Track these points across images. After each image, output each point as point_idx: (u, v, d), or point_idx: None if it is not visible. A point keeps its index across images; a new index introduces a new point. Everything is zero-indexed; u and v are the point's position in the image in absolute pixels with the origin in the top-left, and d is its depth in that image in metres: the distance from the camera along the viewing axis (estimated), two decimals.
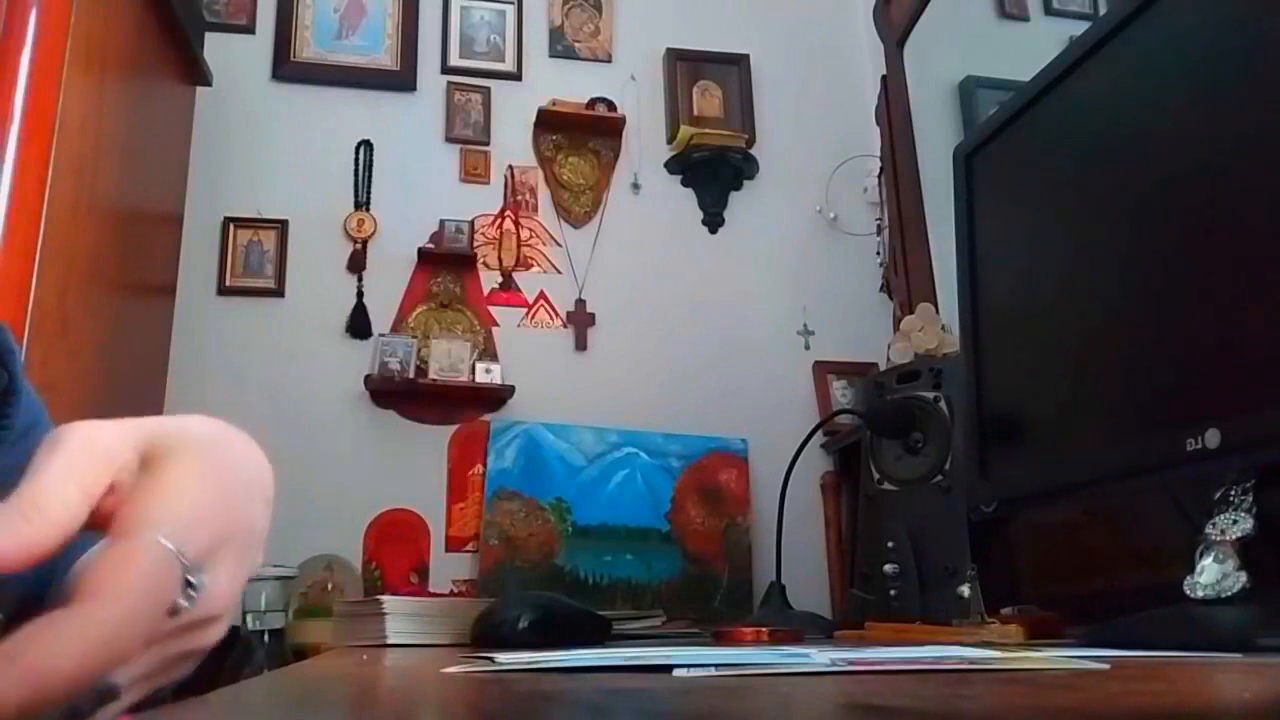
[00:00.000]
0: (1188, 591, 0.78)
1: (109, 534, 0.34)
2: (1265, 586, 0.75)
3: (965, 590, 1.05)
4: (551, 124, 2.74)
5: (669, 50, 2.85)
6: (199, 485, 0.35)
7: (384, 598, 1.11)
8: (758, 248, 2.77)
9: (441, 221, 2.60)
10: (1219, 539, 0.77)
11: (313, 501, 2.26)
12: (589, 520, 2.44)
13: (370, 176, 2.62)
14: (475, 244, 2.62)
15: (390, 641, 1.07)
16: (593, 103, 2.75)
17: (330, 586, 2.26)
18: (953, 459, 1.29)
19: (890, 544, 1.31)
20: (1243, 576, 0.75)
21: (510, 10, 2.82)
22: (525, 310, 2.62)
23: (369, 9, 2.74)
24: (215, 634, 0.37)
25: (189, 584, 0.33)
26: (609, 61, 2.85)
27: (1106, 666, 0.53)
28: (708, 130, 2.77)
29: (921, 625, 1.17)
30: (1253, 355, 0.74)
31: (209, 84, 2.49)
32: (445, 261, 2.59)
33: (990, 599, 1.06)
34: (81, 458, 0.34)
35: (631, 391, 2.57)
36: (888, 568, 1.30)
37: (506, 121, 2.73)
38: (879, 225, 2.64)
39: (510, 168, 2.71)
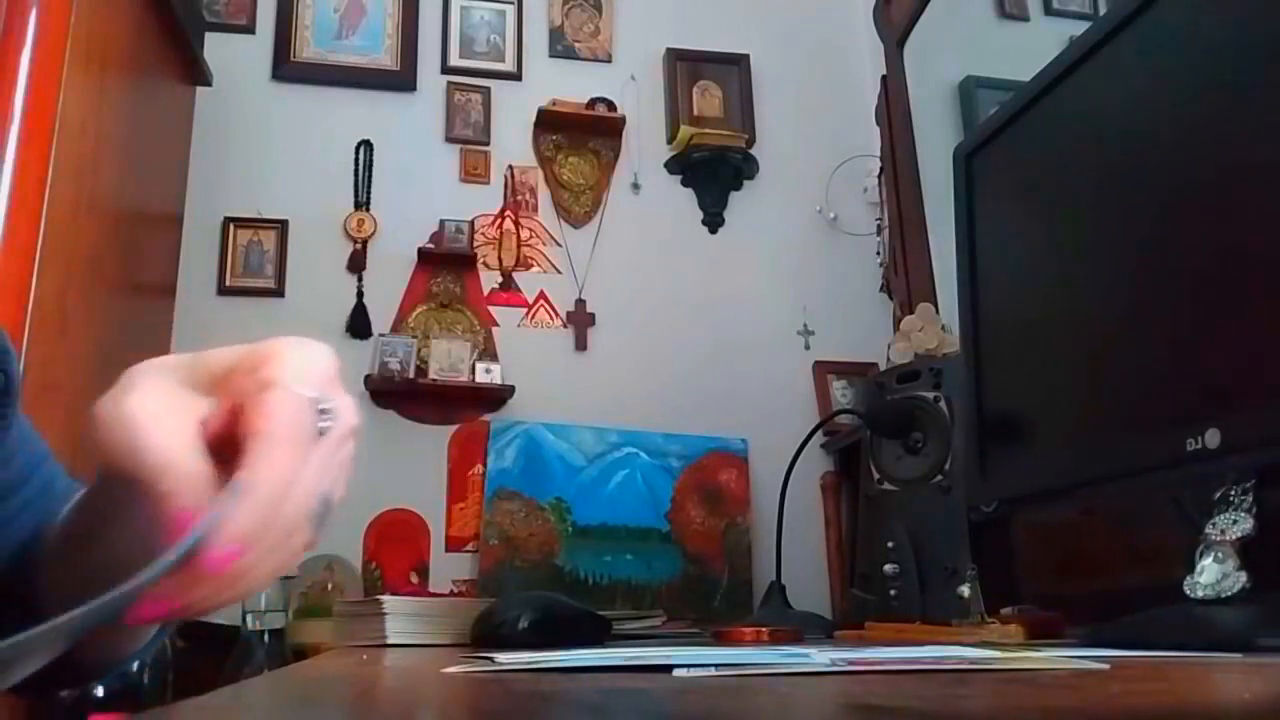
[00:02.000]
0: (1188, 591, 0.78)
1: (241, 403, 0.42)
2: (1265, 586, 0.75)
3: (965, 590, 1.05)
4: (551, 124, 2.74)
5: (669, 50, 2.85)
6: (301, 349, 0.45)
7: (384, 598, 1.11)
8: (758, 248, 2.77)
9: (441, 221, 2.60)
10: (1219, 539, 0.77)
11: None
12: (589, 520, 2.44)
13: (370, 176, 2.62)
14: (475, 244, 2.62)
15: (390, 641, 1.07)
16: (593, 103, 2.75)
17: (330, 586, 2.26)
18: (953, 459, 1.29)
19: (890, 544, 1.31)
20: (1243, 576, 0.75)
21: (510, 10, 2.82)
22: (525, 310, 2.62)
23: (369, 9, 2.74)
24: (351, 449, 0.46)
25: (323, 413, 0.43)
26: (609, 61, 2.85)
27: (1106, 666, 0.53)
28: (708, 130, 2.77)
29: (921, 625, 1.17)
30: (1253, 355, 0.74)
31: (209, 84, 2.49)
32: (445, 261, 2.59)
33: (990, 599, 1.06)
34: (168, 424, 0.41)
35: (631, 391, 2.57)
36: (888, 568, 1.30)
37: (506, 121, 2.73)
38: (879, 225, 2.64)
39: (510, 168, 2.71)
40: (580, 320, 2.63)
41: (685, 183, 2.79)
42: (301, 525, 0.42)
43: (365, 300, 2.52)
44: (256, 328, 2.44)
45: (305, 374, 0.43)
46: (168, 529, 0.38)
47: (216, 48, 2.53)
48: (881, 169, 2.60)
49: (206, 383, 0.43)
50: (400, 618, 1.09)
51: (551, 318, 2.63)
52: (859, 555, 1.47)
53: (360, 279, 2.54)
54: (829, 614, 1.91)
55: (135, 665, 1.57)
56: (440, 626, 1.10)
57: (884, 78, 2.61)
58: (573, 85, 2.78)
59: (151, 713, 0.39)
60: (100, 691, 1.40)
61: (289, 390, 0.42)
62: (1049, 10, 2.13)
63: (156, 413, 0.40)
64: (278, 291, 2.50)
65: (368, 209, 2.59)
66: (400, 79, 2.70)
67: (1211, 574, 0.76)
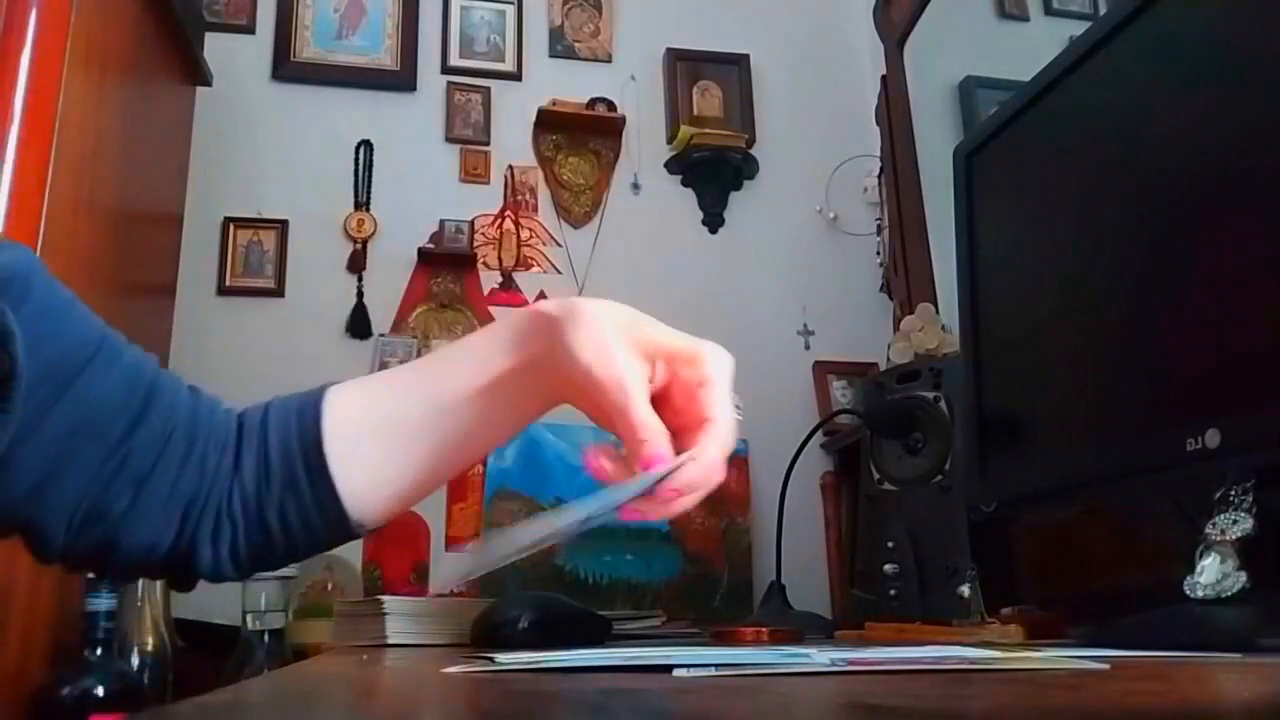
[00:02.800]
0: (1188, 592, 0.78)
1: (676, 383, 0.61)
2: (1265, 586, 0.75)
3: (965, 590, 1.05)
4: (551, 124, 2.74)
5: (669, 50, 2.85)
6: (727, 358, 0.63)
7: (384, 598, 1.11)
8: (758, 248, 2.77)
9: (441, 221, 2.60)
10: (1219, 539, 0.77)
11: None
12: None
13: (370, 176, 2.62)
14: (475, 244, 2.62)
15: (390, 641, 1.07)
16: (593, 103, 2.75)
17: (330, 586, 2.26)
18: (953, 459, 1.29)
19: (890, 544, 1.31)
20: (1243, 576, 0.75)
21: (510, 10, 2.82)
22: None
23: (369, 9, 2.73)
24: None
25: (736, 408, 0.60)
26: (609, 61, 2.85)
27: (1106, 666, 0.53)
28: (708, 130, 2.77)
29: (921, 625, 1.17)
30: (1253, 355, 0.74)
31: (209, 84, 2.49)
32: (445, 261, 2.59)
33: (990, 599, 1.06)
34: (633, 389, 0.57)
35: None
36: (888, 568, 1.30)
37: (506, 121, 2.73)
38: (879, 225, 2.63)
39: (510, 168, 2.70)
40: None
41: (685, 183, 2.79)
42: (717, 479, 0.58)
43: (365, 300, 2.52)
44: (256, 328, 2.44)
45: (730, 379, 0.61)
46: (635, 460, 0.55)
47: (216, 48, 2.53)
48: (881, 169, 2.60)
49: (649, 351, 0.59)
50: (400, 618, 1.09)
51: None
52: (859, 555, 1.47)
53: (360, 279, 2.54)
54: (829, 614, 1.91)
55: (135, 665, 1.57)
56: (440, 626, 1.10)
57: (884, 78, 2.61)
58: (573, 85, 2.78)
59: (151, 712, 0.39)
60: (100, 691, 1.40)
61: (727, 391, 0.60)
62: (1049, 10, 2.13)
63: (634, 371, 0.57)
64: (278, 291, 2.49)
65: (368, 209, 2.59)
66: (400, 79, 2.70)
67: (1211, 574, 0.76)
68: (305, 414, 0.66)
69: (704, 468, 0.57)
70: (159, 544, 0.60)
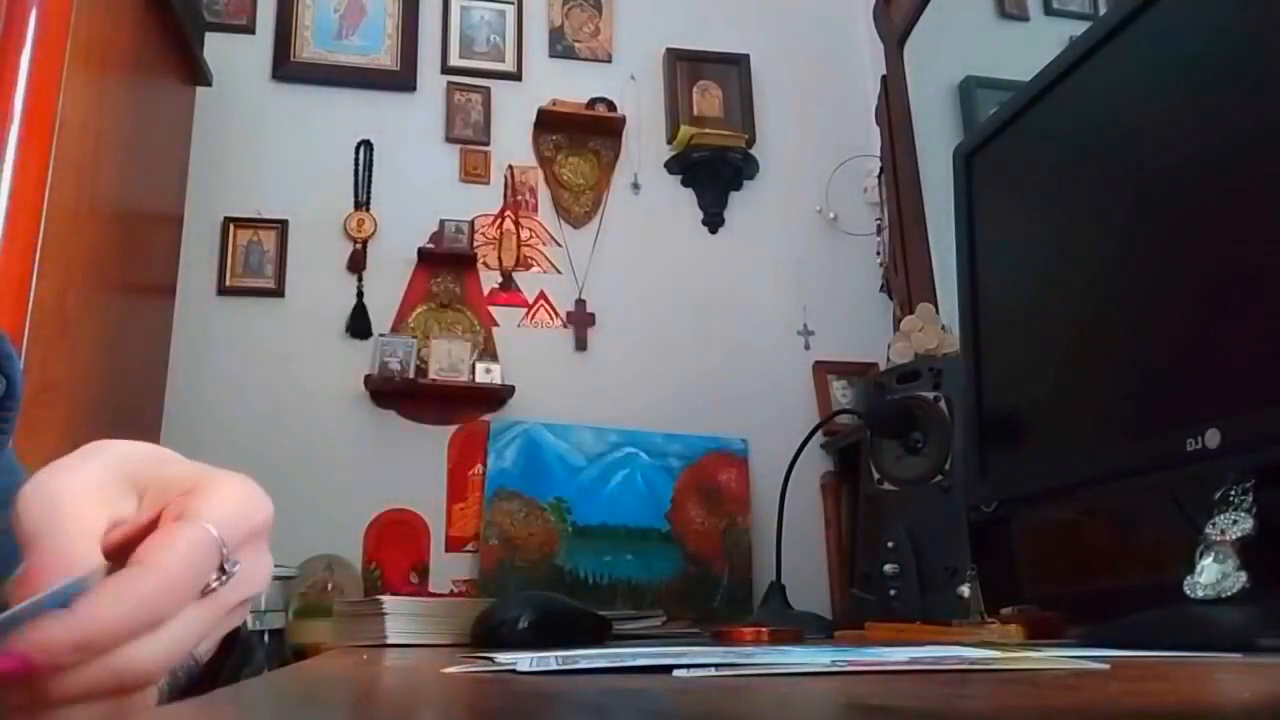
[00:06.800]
0: (1188, 591, 0.78)
1: (159, 525, 0.39)
2: (1265, 586, 0.75)
3: (965, 590, 1.05)
4: (551, 124, 2.74)
5: (669, 50, 2.85)
6: (241, 491, 0.41)
7: (384, 598, 1.11)
8: (758, 248, 2.77)
9: (441, 221, 2.60)
10: (1219, 539, 0.77)
11: (313, 501, 2.26)
12: (589, 520, 2.44)
13: (370, 176, 2.62)
14: (475, 244, 2.62)
15: (390, 641, 1.07)
16: (593, 103, 2.75)
17: (330, 586, 2.26)
18: (953, 459, 1.29)
19: (890, 544, 1.31)
20: (1243, 576, 0.75)
21: (510, 10, 2.82)
22: (525, 310, 2.62)
23: (369, 9, 2.73)
24: (242, 616, 0.42)
25: (222, 569, 0.39)
26: (609, 61, 2.85)
27: (1106, 666, 0.53)
28: (708, 130, 2.77)
29: (921, 625, 1.17)
30: (1252, 355, 0.74)
31: (209, 84, 2.49)
32: (445, 261, 2.59)
33: (990, 599, 1.06)
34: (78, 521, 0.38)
35: (631, 391, 2.57)
36: (888, 568, 1.30)
37: (506, 121, 2.73)
38: (879, 225, 2.64)
39: (510, 168, 2.71)
40: (580, 320, 2.63)
41: (685, 183, 2.79)
42: (139, 674, 0.37)
43: (365, 300, 2.52)
44: (256, 328, 2.44)
45: (229, 520, 0.40)
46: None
47: (216, 48, 2.53)
48: (881, 169, 2.60)
49: (149, 484, 0.41)
50: (400, 618, 1.09)
51: (551, 318, 2.63)
52: (859, 555, 1.47)
53: (360, 279, 2.54)
54: (829, 614, 1.91)
55: None
56: (440, 626, 1.10)
57: (884, 78, 2.61)
58: (573, 85, 2.78)
59: (152, 713, 0.39)
60: None
61: (197, 529, 0.38)
62: (1049, 10, 2.13)
63: (75, 501, 0.38)
64: (278, 291, 2.50)
65: (368, 209, 2.59)
66: (400, 79, 2.70)
67: (1211, 574, 0.76)
68: None
69: (80, 630, 0.34)
70: None
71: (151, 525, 0.39)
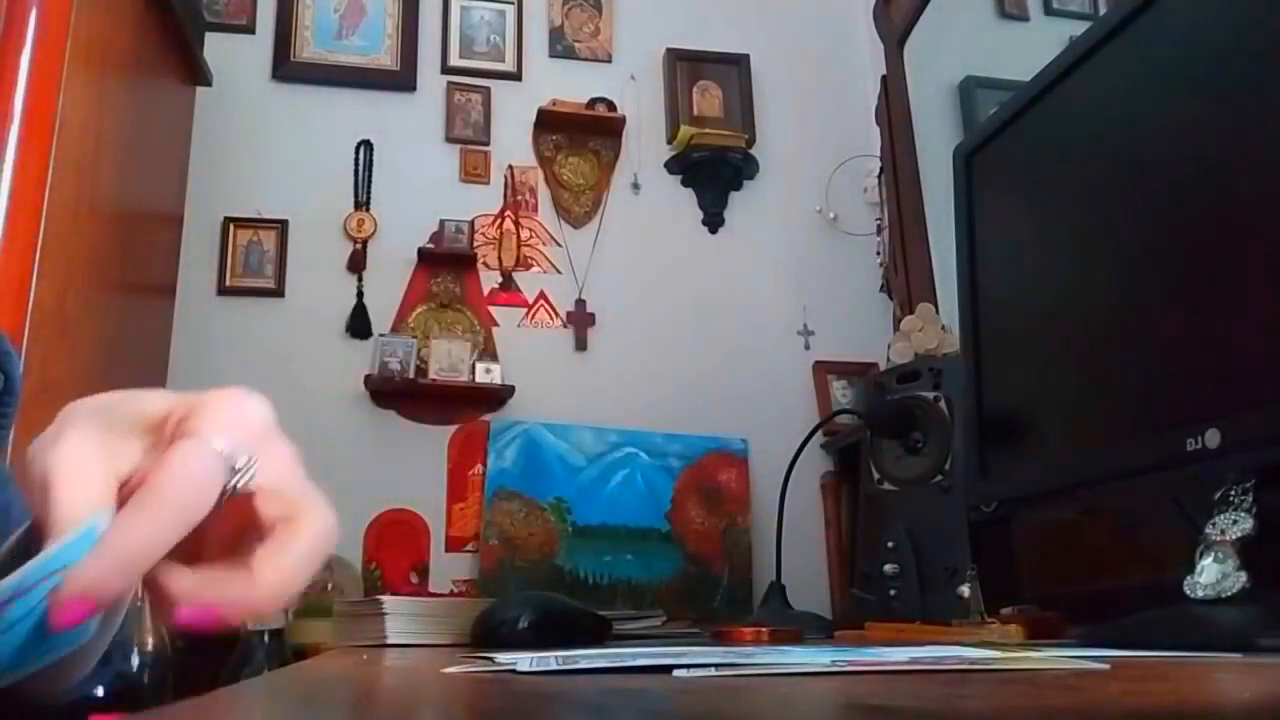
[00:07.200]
0: (1188, 591, 0.77)
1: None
2: (1265, 586, 0.75)
3: (965, 590, 1.05)
4: (551, 124, 2.74)
5: (669, 50, 2.85)
6: (228, 399, 0.42)
7: (384, 598, 1.11)
8: (758, 248, 2.77)
9: (441, 221, 2.60)
10: (1219, 539, 0.77)
11: None
12: (589, 520, 2.44)
13: (370, 176, 2.62)
14: (475, 244, 2.62)
15: (390, 641, 1.07)
16: (593, 103, 2.75)
17: (330, 586, 2.26)
18: (953, 459, 1.29)
19: (890, 544, 1.31)
20: (1243, 576, 0.75)
21: (510, 10, 2.82)
22: (525, 310, 2.62)
23: (369, 9, 2.74)
24: (314, 538, 0.42)
25: (234, 470, 0.40)
26: (609, 61, 2.85)
27: (1106, 666, 0.53)
28: (708, 130, 2.77)
29: (921, 625, 1.17)
30: (1252, 355, 0.74)
31: (209, 84, 2.49)
32: (445, 261, 2.59)
33: (990, 599, 1.06)
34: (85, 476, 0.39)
35: (631, 391, 2.57)
36: (888, 568, 1.30)
37: (506, 121, 2.73)
38: (879, 225, 2.64)
39: (510, 168, 2.71)
40: (580, 320, 2.63)
41: (685, 183, 2.79)
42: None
43: (365, 300, 2.52)
44: (256, 328, 2.44)
45: (229, 426, 0.41)
46: None
47: (216, 48, 2.53)
48: (881, 169, 2.60)
49: (139, 426, 0.41)
50: (400, 618, 1.09)
51: (551, 318, 2.63)
52: (859, 555, 1.47)
53: (360, 279, 2.54)
54: (829, 614, 1.91)
55: (135, 665, 1.57)
56: (440, 626, 1.10)
57: (884, 78, 2.61)
58: (573, 85, 2.78)
59: (151, 713, 0.39)
60: (100, 691, 1.40)
61: (198, 443, 0.39)
62: (1049, 10, 2.14)
63: (78, 466, 0.39)
64: (278, 291, 2.50)
65: (368, 209, 2.59)
66: (400, 79, 2.70)
67: (1211, 574, 0.76)
68: None
69: (107, 561, 0.37)
70: None
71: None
